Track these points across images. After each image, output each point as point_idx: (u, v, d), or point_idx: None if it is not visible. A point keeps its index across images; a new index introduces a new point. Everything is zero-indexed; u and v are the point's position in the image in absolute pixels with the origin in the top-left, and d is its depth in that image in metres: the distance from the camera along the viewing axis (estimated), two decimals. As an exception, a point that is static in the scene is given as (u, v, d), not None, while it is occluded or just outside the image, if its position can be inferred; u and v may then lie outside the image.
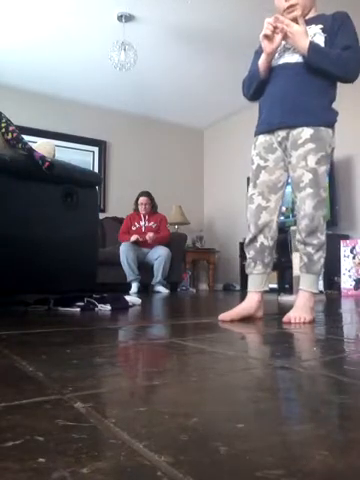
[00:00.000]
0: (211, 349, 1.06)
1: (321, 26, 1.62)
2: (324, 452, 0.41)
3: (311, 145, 1.57)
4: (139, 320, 1.82)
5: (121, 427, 0.47)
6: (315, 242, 1.60)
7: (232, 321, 1.60)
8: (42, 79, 4.89)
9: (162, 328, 1.47)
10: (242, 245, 5.05)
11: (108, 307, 2.07)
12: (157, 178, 5.87)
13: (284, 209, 4.77)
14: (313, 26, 1.63)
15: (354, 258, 3.81)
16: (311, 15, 1.69)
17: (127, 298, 2.31)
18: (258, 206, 1.70)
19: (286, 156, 1.67)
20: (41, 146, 2.42)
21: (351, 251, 3.85)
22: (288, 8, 1.63)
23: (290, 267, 3.40)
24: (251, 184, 1.74)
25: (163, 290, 4.48)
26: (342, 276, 3.86)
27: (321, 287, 4.07)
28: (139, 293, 4.10)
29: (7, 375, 0.74)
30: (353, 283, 3.77)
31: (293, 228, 3.40)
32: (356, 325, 1.63)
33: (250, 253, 1.74)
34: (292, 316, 1.55)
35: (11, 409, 0.54)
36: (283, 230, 4.45)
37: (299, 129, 1.59)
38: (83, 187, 2.42)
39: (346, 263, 3.86)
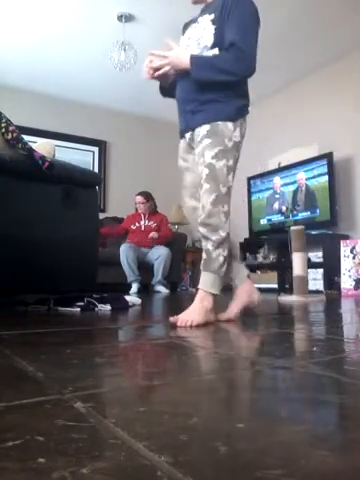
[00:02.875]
0: (211, 349, 1.06)
1: (212, 17, 1.58)
2: (324, 452, 0.41)
3: (207, 140, 1.57)
4: (139, 320, 1.82)
5: (121, 427, 0.47)
6: (214, 238, 1.56)
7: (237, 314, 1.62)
8: (42, 79, 4.89)
9: (162, 328, 1.47)
10: (242, 245, 5.06)
11: (108, 307, 2.07)
12: (157, 178, 5.87)
13: (284, 209, 4.78)
14: (206, 16, 1.61)
15: (354, 258, 3.81)
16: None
17: (127, 298, 2.31)
18: (193, 208, 1.72)
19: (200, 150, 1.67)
20: (41, 146, 2.42)
21: (351, 251, 3.85)
22: None
23: (290, 267, 3.40)
24: (183, 188, 1.79)
25: (163, 290, 4.46)
26: (342, 276, 3.86)
27: (321, 287, 4.08)
28: (139, 293, 4.10)
29: (7, 375, 0.74)
30: (353, 283, 3.77)
31: (293, 228, 3.40)
32: (356, 325, 1.63)
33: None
34: (180, 319, 1.45)
35: (11, 409, 0.54)
36: (283, 230, 4.46)
37: (199, 128, 1.61)
38: (83, 187, 2.42)
39: (346, 263, 3.86)
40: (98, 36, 4.08)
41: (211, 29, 1.57)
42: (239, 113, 1.63)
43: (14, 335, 1.24)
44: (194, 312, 1.50)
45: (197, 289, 1.61)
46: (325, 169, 4.29)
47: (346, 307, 2.52)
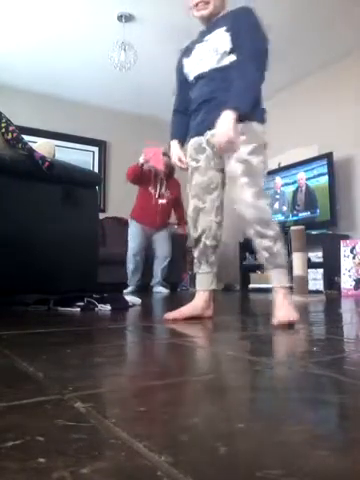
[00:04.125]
0: (211, 349, 1.06)
1: (225, 28, 1.62)
2: (324, 452, 0.41)
3: (242, 137, 1.55)
4: (139, 320, 1.82)
5: (121, 427, 0.47)
6: (271, 233, 1.53)
7: (175, 321, 1.57)
8: (42, 79, 4.89)
9: (162, 328, 1.47)
10: (242, 245, 5.06)
11: (108, 307, 2.07)
12: (157, 178, 5.86)
13: (285, 209, 4.78)
14: (218, 30, 1.64)
15: (354, 258, 3.81)
16: (219, 16, 1.70)
17: (127, 298, 2.31)
18: (195, 208, 1.71)
19: (215, 154, 1.66)
20: (41, 146, 2.42)
21: (351, 251, 3.85)
22: (197, 5, 1.66)
23: (290, 267, 3.40)
24: (188, 186, 1.77)
25: (163, 290, 4.39)
26: (342, 276, 3.86)
27: (321, 287, 4.08)
28: (135, 293, 4.07)
29: (7, 375, 0.74)
30: (353, 283, 3.77)
31: (293, 228, 3.40)
32: (356, 325, 1.63)
33: (195, 254, 1.74)
34: (281, 316, 1.44)
35: (11, 409, 0.54)
36: (283, 230, 4.46)
37: None
38: (83, 187, 2.42)
39: (346, 263, 3.86)
40: (98, 36, 4.08)
41: (227, 36, 1.60)
42: (264, 118, 1.65)
43: (14, 335, 1.24)
44: (289, 310, 1.48)
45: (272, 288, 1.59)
46: (325, 169, 4.29)
47: (346, 307, 2.52)
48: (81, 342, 1.13)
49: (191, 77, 1.75)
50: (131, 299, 2.36)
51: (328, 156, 4.27)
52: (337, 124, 4.46)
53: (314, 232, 4.21)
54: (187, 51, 1.81)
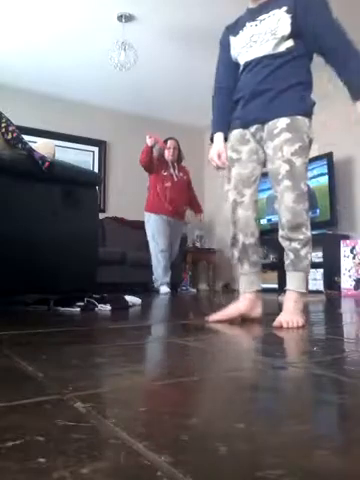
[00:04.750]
0: (211, 349, 1.06)
1: (285, 8, 1.52)
2: (324, 452, 0.41)
3: (287, 135, 1.50)
4: (139, 320, 1.82)
5: (121, 427, 0.47)
6: (301, 237, 1.51)
7: (220, 322, 1.55)
8: (42, 79, 4.89)
9: (162, 328, 1.47)
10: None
11: (108, 307, 2.07)
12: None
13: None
14: (276, 11, 1.53)
15: (354, 258, 3.81)
16: None
17: (127, 298, 2.31)
18: (233, 202, 1.63)
19: (261, 148, 1.61)
20: (41, 146, 2.41)
21: (351, 251, 3.84)
22: None
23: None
24: (226, 180, 1.68)
25: (167, 290, 4.20)
26: (342, 276, 3.86)
27: (321, 287, 4.08)
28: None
29: (7, 375, 0.74)
30: (353, 283, 3.77)
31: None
32: (356, 325, 1.63)
33: (235, 253, 1.67)
34: (284, 320, 1.42)
35: (11, 409, 0.54)
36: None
37: (275, 120, 1.53)
38: (83, 187, 2.42)
39: (346, 263, 3.86)
40: (98, 36, 4.08)
41: (287, 19, 1.50)
42: (312, 111, 1.58)
43: (14, 335, 1.24)
44: (296, 314, 1.45)
45: (285, 291, 1.56)
46: (325, 169, 4.29)
47: (346, 307, 2.52)
48: (81, 342, 1.13)
49: (241, 60, 1.64)
50: (131, 299, 2.35)
51: (328, 156, 4.27)
52: (337, 124, 4.46)
53: (314, 232, 4.19)
54: (235, 28, 1.67)
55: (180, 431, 0.46)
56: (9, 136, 2.14)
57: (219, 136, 1.70)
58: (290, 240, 1.52)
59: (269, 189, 4.96)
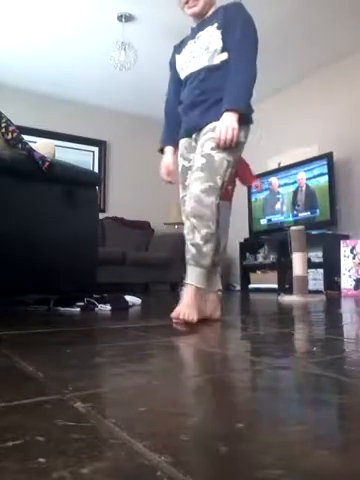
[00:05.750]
0: (211, 349, 1.06)
1: (216, 25, 1.63)
2: (324, 452, 0.41)
3: (211, 134, 1.57)
4: (139, 320, 1.82)
5: (121, 427, 0.47)
6: (204, 231, 1.52)
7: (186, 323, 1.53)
8: (42, 79, 4.89)
9: (162, 328, 1.47)
10: (242, 245, 5.06)
11: (108, 307, 2.07)
12: (157, 178, 5.86)
13: (285, 209, 4.78)
14: (209, 27, 1.65)
15: (354, 258, 3.81)
16: (209, 13, 1.71)
17: (127, 298, 2.31)
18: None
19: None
20: (41, 146, 2.41)
21: (351, 251, 3.85)
22: (187, 2, 1.70)
23: (290, 267, 3.40)
24: (180, 186, 1.76)
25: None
26: (342, 276, 3.86)
27: (321, 287, 4.08)
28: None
29: (7, 375, 0.74)
30: (353, 283, 3.77)
31: (293, 228, 3.40)
32: (356, 325, 1.63)
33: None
34: (181, 312, 1.47)
35: (11, 409, 0.54)
36: (283, 230, 4.46)
37: (206, 126, 1.61)
38: (83, 187, 2.42)
39: (346, 263, 3.86)
40: (98, 36, 4.08)
41: (218, 34, 1.61)
42: (250, 118, 1.65)
43: (14, 335, 1.24)
44: (189, 307, 1.49)
45: (183, 284, 1.60)
46: (325, 169, 4.29)
47: (346, 307, 2.52)
48: (81, 342, 1.13)
49: (182, 75, 1.75)
50: (131, 299, 2.36)
51: (328, 156, 4.27)
52: (337, 124, 4.46)
53: (314, 232, 4.21)
54: (179, 47, 1.82)
55: (180, 431, 0.46)
56: (9, 136, 2.14)
57: (168, 150, 1.81)
58: (195, 231, 1.53)
59: (268, 189, 4.97)
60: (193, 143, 1.71)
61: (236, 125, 1.52)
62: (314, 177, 4.43)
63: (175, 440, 0.44)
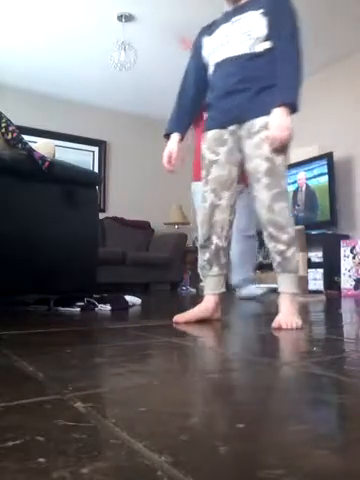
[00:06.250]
0: (211, 349, 1.06)
1: (261, 10, 1.53)
2: (324, 452, 0.41)
3: (266, 132, 1.48)
4: (139, 320, 1.82)
5: (121, 427, 0.47)
6: (284, 237, 1.49)
7: (187, 323, 1.53)
8: (42, 79, 4.89)
9: (162, 328, 1.47)
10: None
11: (108, 307, 2.07)
12: (157, 178, 5.87)
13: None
14: (251, 12, 1.54)
15: (354, 258, 3.81)
16: None
17: (127, 298, 2.31)
18: (211, 204, 1.61)
19: (238, 147, 1.59)
20: (41, 146, 2.42)
21: (351, 251, 3.85)
22: None
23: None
24: (203, 181, 1.64)
25: (253, 292, 3.13)
26: (342, 276, 3.86)
27: (321, 287, 4.07)
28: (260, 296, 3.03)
29: (7, 375, 0.74)
30: (353, 283, 3.77)
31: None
32: (356, 325, 1.63)
33: (205, 255, 1.64)
34: (283, 321, 1.41)
35: (11, 409, 0.54)
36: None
37: (253, 119, 1.52)
38: (83, 187, 2.42)
39: (346, 263, 3.86)
40: (98, 36, 4.08)
41: (263, 21, 1.51)
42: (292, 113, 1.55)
43: (14, 335, 1.24)
44: (293, 315, 1.45)
45: (279, 293, 1.54)
46: (325, 169, 4.29)
47: (346, 307, 2.52)
48: (81, 342, 1.13)
49: (213, 60, 1.62)
50: (131, 299, 2.36)
51: (328, 156, 4.27)
52: (337, 124, 4.46)
53: (314, 232, 4.21)
54: (209, 29, 1.67)
55: (180, 431, 0.46)
56: (9, 136, 2.14)
57: (174, 137, 1.68)
58: (275, 241, 1.51)
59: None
60: (226, 136, 1.58)
61: (290, 124, 1.45)
62: (314, 177, 4.43)
63: (175, 440, 0.44)
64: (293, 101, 1.46)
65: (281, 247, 1.50)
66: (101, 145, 5.62)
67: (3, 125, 2.15)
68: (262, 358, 0.94)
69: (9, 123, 2.18)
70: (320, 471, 0.37)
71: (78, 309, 2.03)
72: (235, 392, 0.66)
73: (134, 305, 2.33)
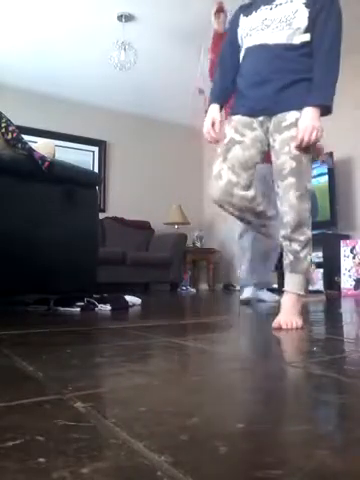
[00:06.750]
0: (211, 349, 1.06)
1: (304, 0, 1.48)
2: (324, 452, 0.41)
3: (296, 130, 1.44)
4: (139, 320, 1.82)
5: (121, 427, 0.47)
6: (302, 238, 1.48)
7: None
8: (42, 79, 4.89)
9: (162, 328, 1.47)
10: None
11: (108, 307, 2.07)
12: (157, 178, 5.87)
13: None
14: (295, 0, 1.49)
15: (354, 258, 3.81)
16: None
17: (127, 298, 2.31)
18: (228, 182, 1.51)
19: (266, 138, 1.55)
20: (41, 146, 2.41)
21: (351, 251, 3.84)
22: None
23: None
24: (220, 159, 1.54)
25: (269, 297, 2.85)
26: (342, 276, 3.86)
27: (321, 287, 4.07)
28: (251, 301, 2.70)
29: (7, 375, 0.74)
30: (353, 283, 3.77)
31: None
32: (356, 325, 1.63)
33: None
34: (283, 321, 1.40)
35: (11, 409, 0.54)
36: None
37: (283, 112, 1.48)
38: (83, 187, 2.42)
39: (346, 263, 3.86)
40: (98, 36, 4.08)
41: (305, 12, 1.47)
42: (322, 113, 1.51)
43: (14, 335, 1.24)
44: (294, 314, 1.43)
45: (283, 291, 1.52)
46: (325, 169, 4.29)
47: (346, 307, 2.52)
48: (81, 342, 1.13)
49: (246, 43, 1.57)
50: (131, 299, 2.36)
51: (328, 156, 4.27)
52: (337, 125, 4.46)
53: (314, 232, 4.19)
54: (249, 8, 1.60)
55: (180, 431, 0.46)
56: (9, 136, 2.14)
57: (214, 107, 1.62)
58: (291, 240, 1.49)
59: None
60: (255, 124, 1.54)
61: (320, 125, 1.42)
62: (314, 177, 4.43)
63: (175, 440, 0.44)
64: (327, 103, 1.43)
65: (297, 247, 1.48)
66: (101, 145, 5.62)
67: (3, 125, 2.15)
68: (262, 358, 0.94)
69: (9, 123, 2.18)
70: (320, 471, 0.37)
71: (78, 309, 2.03)
72: (235, 392, 0.65)
73: (134, 305, 2.33)
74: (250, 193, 1.53)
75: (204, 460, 0.39)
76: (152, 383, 0.69)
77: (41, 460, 0.39)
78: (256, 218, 1.60)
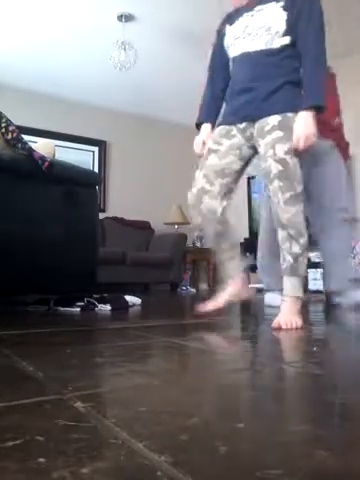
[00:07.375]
0: (211, 349, 1.06)
1: (281, 4, 1.49)
2: (324, 452, 0.41)
3: (279, 133, 1.46)
4: (139, 320, 1.82)
5: (121, 427, 0.47)
6: (302, 241, 1.49)
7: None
8: (42, 79, 4.89)
9: (162, 328, 1.47)
10: (242, 245, 5.04)
11: (108, 307, 2.07)
12: (157, 178, 5.87)
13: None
14: (272, 4, 1.50)
15: (354, 258, 3.81)
16: None
17: (127, 298, 2.31)
18: (201, 189, 1.59)
19: (248, 145, 1.58)
20: (41, 146, 2.41)
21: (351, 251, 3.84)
22: None
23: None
24: (199, 168, 1.64)
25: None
26: (342, 276, 3.86)
27: (321, 287, 4.07)
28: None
29: (7, 375, 0.74)
30: (353, 283, 3.77)
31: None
32: (356, 325, 1.63)
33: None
34: (282, 321, 1.40)
35: (11, 409, 0.54)
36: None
37: (265, 117, 1.50)
38: (83, 187, 2.42)
39: (346, 263, 3.86)
40: (98, 36, 4.08)
41: (283, 15, 1.48)
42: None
43: (14, 335, 1.24)
44: (293, 314, 1.44)
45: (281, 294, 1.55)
46: (325, 169, 4.28)
47: (346, 307, 2.52)
48: (81, 342, 1.13)
49: (231, 53, 1.60)
50: (131, 299, 2.36)
51: (328, 156, 4.27)
52: (337, 124, 4.46)
53: (314, 232, 4.20)
54: (232, 18, 1.63)
55: (180, 431, 0.46)
56: (9, 136, 2.14)
57: (205, 127, 1.70)
58: (292, 243, 1.49)
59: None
60: (234, 132, 1.57)
61: (315, 130, 1.43)
62: (314, 177, 4.42)
63: (175, 440, 0.44)
64: (320, 103, 1.44)
65: (297, 250, 1.49)
66: (101, 145, 5.62)
67: (3, 125, 2.15)
68: (262, 358, 0.94)
69: (9, 123, 2.18)
70: (320, 471, 0.37)
71: (78, 309, 2.03)
72: (235, 392, 0.65)
73: (134, 305, 2.33)
74: (218, 204, 1.59)
75: (204, 460, 0.39)
76: (152, 383, 0.69)
77: (41, 460, 0.39)
78: (222, 242, 1.66)
